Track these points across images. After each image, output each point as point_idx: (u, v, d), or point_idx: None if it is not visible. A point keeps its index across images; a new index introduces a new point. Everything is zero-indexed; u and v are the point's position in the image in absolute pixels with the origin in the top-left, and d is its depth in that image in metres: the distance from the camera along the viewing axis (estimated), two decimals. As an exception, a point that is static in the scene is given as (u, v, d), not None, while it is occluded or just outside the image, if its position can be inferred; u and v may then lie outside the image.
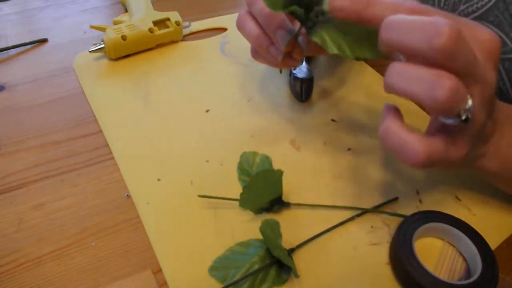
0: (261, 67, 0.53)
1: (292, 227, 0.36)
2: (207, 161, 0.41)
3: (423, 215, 0.34)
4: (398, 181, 0.40)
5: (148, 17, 0.57)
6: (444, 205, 0.38)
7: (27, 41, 0.58)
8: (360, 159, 0.42)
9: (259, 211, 0.37)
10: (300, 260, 0.34)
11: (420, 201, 0.38)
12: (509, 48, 0.40)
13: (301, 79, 0.47)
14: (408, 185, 0.39)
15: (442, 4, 0.45)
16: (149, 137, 0.44)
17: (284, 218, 0.36)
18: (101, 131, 0.45)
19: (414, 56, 0.26)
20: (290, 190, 0.38)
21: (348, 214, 0.37)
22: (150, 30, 0.55)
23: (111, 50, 0.53)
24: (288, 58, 0.36)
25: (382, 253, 0.34)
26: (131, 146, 0.43)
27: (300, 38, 0.36)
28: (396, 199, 0.38)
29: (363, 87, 0.51)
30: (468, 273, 0.32)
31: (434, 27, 0.24)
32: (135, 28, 0.54)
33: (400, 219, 0.35)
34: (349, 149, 0.43)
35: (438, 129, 0.29)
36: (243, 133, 0.44)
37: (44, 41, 0.60)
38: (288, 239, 0.35)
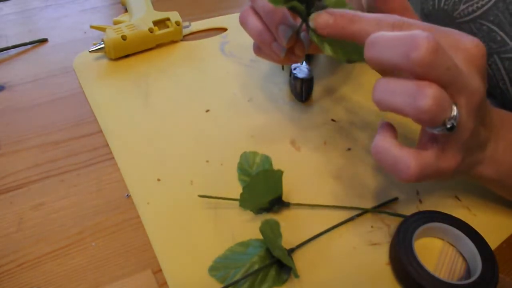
0: (262, 67, 0.53)
1: (292, 227, 0.36)
2: (207, 161, 0.41)
3: (423, 215, 0.34)
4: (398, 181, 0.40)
5: (148, 17, 0.57)
6: (444, 205, 0.38)
7: (27, 41, 0.58)
8: (360, 159, 0.42)
9: (259, 211, 0.37)
10: (300, 260, 0.34)
11: (420, 201, 0.38)
12: (509, 47, 0.40)
13: (301, 79, 0.47)
14: (408, 185, 0.39)
15: (442, 4, 0.45)
16: (149, 137, 0.44)
17: (284, 218, 0.36)
18: (101, 131, 0.45)
19: (398, 71, 0.26)
20: (290, 190, 0.38)
21: (348, 214, 0.37)
22: (150, 30, 0.55)
23: (111, 50, 0.53)
24: (290, 54, 0.36)
25: (382, 253, 0.34)
26: (131, 146, 0.43)
27: (302, 34, 0.36)
28: (396, 199, 0.38)
29: (363, 87, 0.51)
30: (468, 273, 0.32)
31: (411, 41, 0.24)
32: (135, 28, 0.54)
33: (400, 219, 0.35)
34: (349, 149, 0.43)
35: (428, 141, 0.29)
36: (243, 133, 0.44)
37: (44, 41, 0.60)
38: (288, 239, 0.35)
